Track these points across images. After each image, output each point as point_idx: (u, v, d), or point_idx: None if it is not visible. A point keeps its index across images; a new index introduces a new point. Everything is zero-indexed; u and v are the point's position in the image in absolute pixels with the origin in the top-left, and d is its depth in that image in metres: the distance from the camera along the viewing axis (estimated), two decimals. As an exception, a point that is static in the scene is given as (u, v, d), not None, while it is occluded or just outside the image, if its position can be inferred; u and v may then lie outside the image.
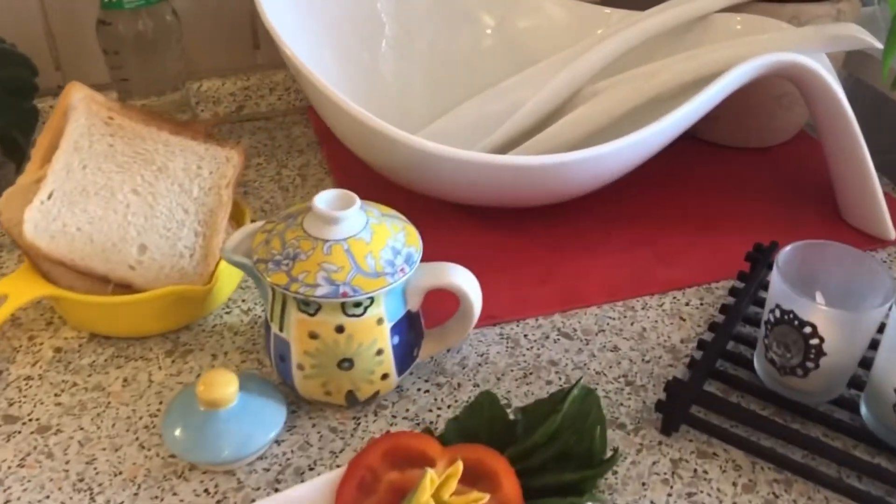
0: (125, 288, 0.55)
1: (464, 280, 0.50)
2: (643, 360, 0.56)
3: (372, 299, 0.47)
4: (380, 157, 0.61)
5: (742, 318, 0.57)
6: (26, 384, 0.54)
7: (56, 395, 0.53)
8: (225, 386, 0.47)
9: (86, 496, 0.46)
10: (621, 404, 0.52)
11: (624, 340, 0.57)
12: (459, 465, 0.40)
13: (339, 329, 0.47)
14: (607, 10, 0.72)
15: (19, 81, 0.65)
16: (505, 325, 0.59)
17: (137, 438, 0.50)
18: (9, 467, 0.48)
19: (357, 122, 0.56)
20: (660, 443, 0.50)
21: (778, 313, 0.48)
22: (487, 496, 0.40)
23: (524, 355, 0.56)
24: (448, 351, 0.56)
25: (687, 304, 0.61)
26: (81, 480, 0.47)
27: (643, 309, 0.60)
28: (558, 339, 0.57)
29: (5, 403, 0.52)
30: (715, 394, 0.51)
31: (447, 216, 0.68)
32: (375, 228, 0.48)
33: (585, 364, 0.55)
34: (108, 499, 0.46)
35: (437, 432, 0.47)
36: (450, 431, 0.45)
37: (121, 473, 0.48)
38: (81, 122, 0.55)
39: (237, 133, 0.83)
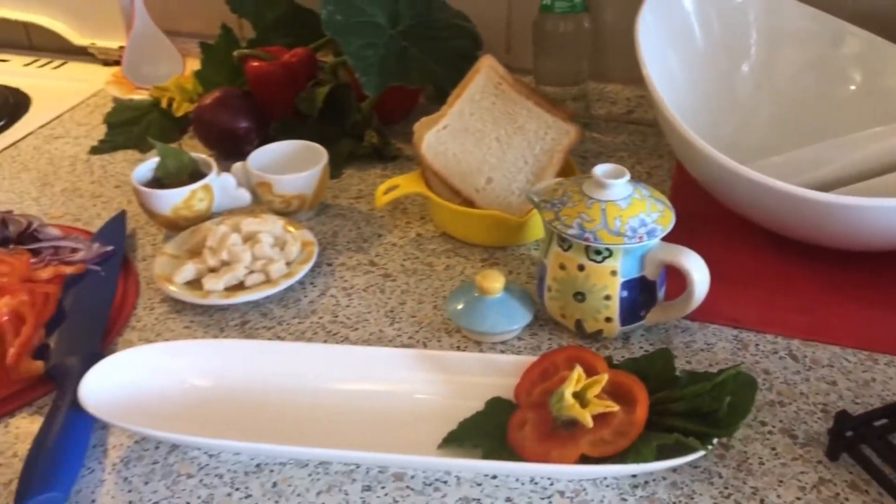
0: (469, 205, 0.75)
1: (693, 264, 0.59)
2: (853, 401, 0.59)
3: (610, 252, 0.60)
4: (699, 173, 0.72)
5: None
6: (391, 247, 0.78)
7: (403, 260, 0.76)
8: (494, 281, 0.65)
9: (389, 320, 0.68)
10: (804, 422, 0.57)
11: (846, 381, 0.61)
12: (604, 376, 0.52)
13: (581, 268, 0.61)
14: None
15: (466, 50, 0.90)
16: (744, 331, 0.66)
17: (435, 301, 0.70)
18: (357, 288, 0.72)
19: (682, 137, 0.68)
20: (819, 462, 0.54)
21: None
22: (618, 408, 0.51)
23: (744, 358, 0.63)
24: (682, 331, 0.66)
25: (937, 377, 0.61)
26: (391, 311, 0.69)
27: (886, 365, 0.62)
28: (784, 358, 0.63)
29: (374, 254, 0.77)
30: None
31: (749, 232, 0.75)
32: (634, 201, 0.61)
33: (795, 384, 0.60)
34: (401, 328, 0.67)
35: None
36: (624, 365, 0.56)
37: (415, 317, 0.69)
38: (480, 82, 0.76)
39: (620, 130, 0.98)
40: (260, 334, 0.67)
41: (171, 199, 0.75)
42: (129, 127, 0.99)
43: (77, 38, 1.21)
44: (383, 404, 0.59)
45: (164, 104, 1.00)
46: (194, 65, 1.09)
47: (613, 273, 0.61)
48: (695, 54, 0.81)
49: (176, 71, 1.09)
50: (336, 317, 0.69)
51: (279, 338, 0.67)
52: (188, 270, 0.70)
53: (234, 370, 0.60)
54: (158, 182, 0.79)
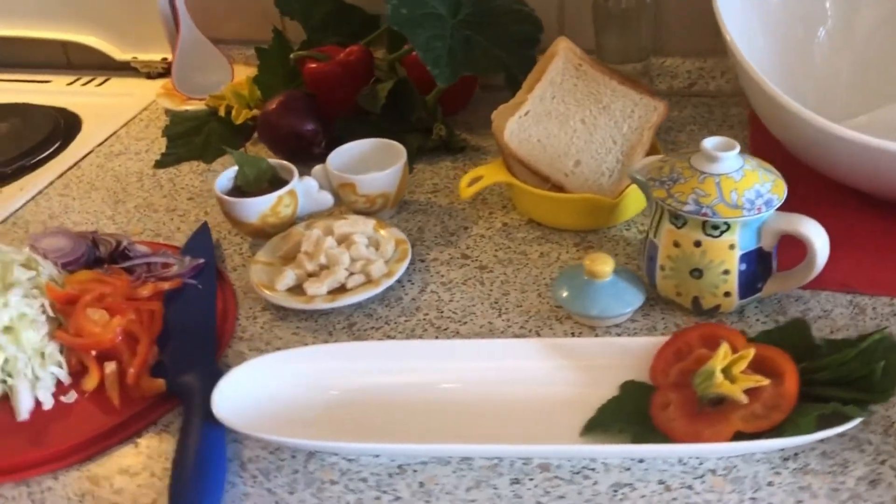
0: (558, 190, 0.75)
1: (812, 231, 0.59)
2: None
3: (728, 225, 0.59)
4: (792, 137, 0.70)
5: None
6: (480, 239, 0.77)
7: (496, 251, 0.75)
8: (604, 264, 0.64)
9: (496, 312, 0.68)
10: (941, 382, 0.56)
11: (974, 337, 0.60)
12: (751, 351, 0.52)
13: (697, 244, 0.60)
14: None
15: (528, 35, 0.89)
16: (859, 296, 0.65)
17: (538, 289, 0.70)
18: (456, 282, 0.72)
19: (774, 103, 0.67)
20: (966, 421, 0.54)
21: None
22: (768, 381, 0.51)
23: (864, 322, 0.62)
24: (795, 300, 0.65)
25: None
26: (496, 303, 0.69)
27: None
28: (905, 319, 0.62)
29: (464, 247, 0.76)
30: None
31: (839, 195, 0.74)
32: (747, 173, 0.60)
33: (922, 344, 0.60)
34: (509, 318, 0.67)
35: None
36: (759, 338, 0.56)
37: (521, 306, 0.68)
38: (559, 65, 0.76)
39: (683, 104, 0.97)
40: (369, 335, 0.67)
41: (258, 207, 0.75)
42: (189, 138, 0.99)
43: (118, 54, 1.20)
44: (513, 395, 0.58)
45: (221, 113, 0.99)
46: (240, 71, 1.09)
47: (732, 247, 0.60)
48: (772, 25, 0.80)
49: (225, 78, 1.08)
50: (441, 312, 0.68)
51: (389, 337, 0.66)
52: (289, 277, 0.69)
53: (358, 372, 0.60)
54: (239, 191, 0.78)
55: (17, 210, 0.90)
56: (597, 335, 0.64)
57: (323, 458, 0.56)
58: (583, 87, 0.75)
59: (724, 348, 0.52)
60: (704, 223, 0.60)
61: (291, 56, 0.95)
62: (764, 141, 0.80)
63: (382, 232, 0.74)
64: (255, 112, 0.98)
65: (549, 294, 0.69)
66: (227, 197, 0.75)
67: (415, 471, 0.54)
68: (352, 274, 0.70)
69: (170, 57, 1.18)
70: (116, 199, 0.90)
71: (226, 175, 0.78)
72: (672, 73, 0.99)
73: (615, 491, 0.52)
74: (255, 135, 0.98)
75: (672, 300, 0.65)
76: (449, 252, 0.76)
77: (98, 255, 0.73)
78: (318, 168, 0.80)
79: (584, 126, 0.74)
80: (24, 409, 0.60)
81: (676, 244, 0.61)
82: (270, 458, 0.57)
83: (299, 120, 0.90)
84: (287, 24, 1.06)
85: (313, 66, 0.93)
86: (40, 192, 0.93)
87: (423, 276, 0.73)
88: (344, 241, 0.72)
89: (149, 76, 1.20)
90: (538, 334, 0.65)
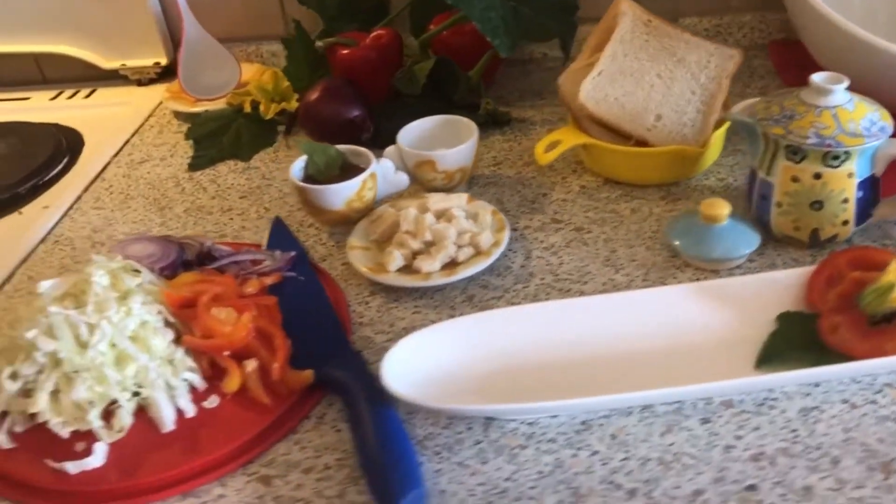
0: (641, 145, 0.75)
1: (928, 152, 0.62)
2: None
3: (848, 154, 0.61)
4: (860, 69, 0.73)
5: None
6: (564, 203, 0.77)
7: (585, 212, 0.75)
8: (722, 208, 0.65)
9: (611, 269, 0.68)
10: None
11: None
12: (918, 262, 0.54)
13: (817, 176, 0.62)
14: None
15: (567, 2, 0.89)
16: (949, 214, 0.69)
17: (644, 243, 0.70)
18: (558, 245, 0.71)
19: (845, 35, 0.70)
20: None
21: None
22: (938, 291, 0.53)
23: (966, 236, 0.66)
24: (894, 224, 0.68)
25: None
26: (608, 260, 0.69)
27: None
28: None
29: (551, 212, 0.76)
30: None
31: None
32: (857, 104, 0.62)
33: None
34: (629, 273, 0.67)
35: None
36: (902, 256, 0.58)
37: (635, 261, 0.68)
38: (627, 23, 0.76)
39: (705, 61, 1.00)
40: (493, 305, 0.66)
41: (344, 193, 0.72)
42: (217, 138, 0.95)
43: (104, 62, 1.14)
44: (670, 343, 0.58)
45: (247, 109, 0.96)
46: (245, 68, 1.05)
47: (850, 175, 0.62)
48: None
49: (234, 76, 1.04)
50: (557, 276, 0.68)
51: (513, 305, 0.65)
52: (398, 257, 0.67)
53: (511, 338, 0.59)
54: (311, 180, 0.75)
55: (52, 228, 0.84)
56: (720, 277, 0.65)
57: (502, 426, 0.55)
58: (654, 43, 0.76)
59: (894, 263, 0.54)
60: (825, 154, 0.61)
61: (321, 43, 0.93)
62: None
63: (474, 204, 0.73)
64: (284, 105, 0.95)
65: (658, 246, 0.70)
66: (311, 186, 0.72)
67: (601, 425, 0.54)
68: (461, 247, 0.68)
69: (163, 61, 1.13)
70: (160, 206, 0.85)
71: (296, 166, 0.76)
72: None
73: (804, 415, 0.53)
74: (282, 127, 0.95)
75: (787, 236, 0.66)
76: (538, 219, 0.75)
77: (186, 259, 0.69)
78: (390, 149, 0.78)
79: (661, 80, 0.75)
80: (167, 419, 0.56)
81: (795, 179, 0.63)
82: (446, 432, 0.55)
83: (345, 107, 0.88)
84: (293, 15, 1.03)
85: (345, 52, 0.91)
86: (71, 208, 0.87)
87: (523, 244, 0.72)
88: (442, 216, 0.71)
89: (139, 83, 1.14)
90: (664, 284, 0.65)
